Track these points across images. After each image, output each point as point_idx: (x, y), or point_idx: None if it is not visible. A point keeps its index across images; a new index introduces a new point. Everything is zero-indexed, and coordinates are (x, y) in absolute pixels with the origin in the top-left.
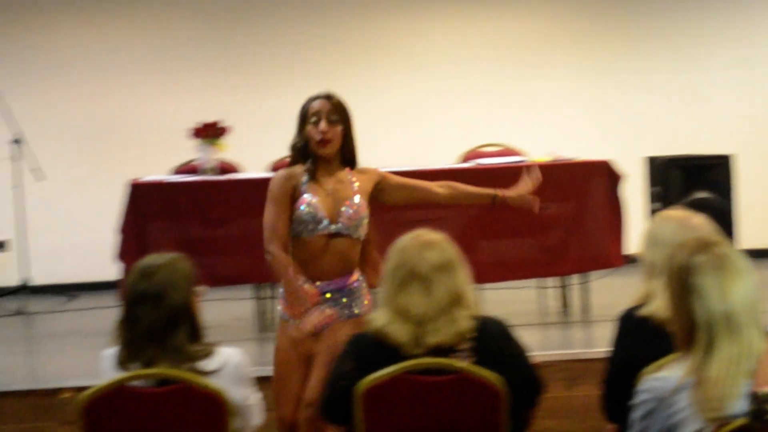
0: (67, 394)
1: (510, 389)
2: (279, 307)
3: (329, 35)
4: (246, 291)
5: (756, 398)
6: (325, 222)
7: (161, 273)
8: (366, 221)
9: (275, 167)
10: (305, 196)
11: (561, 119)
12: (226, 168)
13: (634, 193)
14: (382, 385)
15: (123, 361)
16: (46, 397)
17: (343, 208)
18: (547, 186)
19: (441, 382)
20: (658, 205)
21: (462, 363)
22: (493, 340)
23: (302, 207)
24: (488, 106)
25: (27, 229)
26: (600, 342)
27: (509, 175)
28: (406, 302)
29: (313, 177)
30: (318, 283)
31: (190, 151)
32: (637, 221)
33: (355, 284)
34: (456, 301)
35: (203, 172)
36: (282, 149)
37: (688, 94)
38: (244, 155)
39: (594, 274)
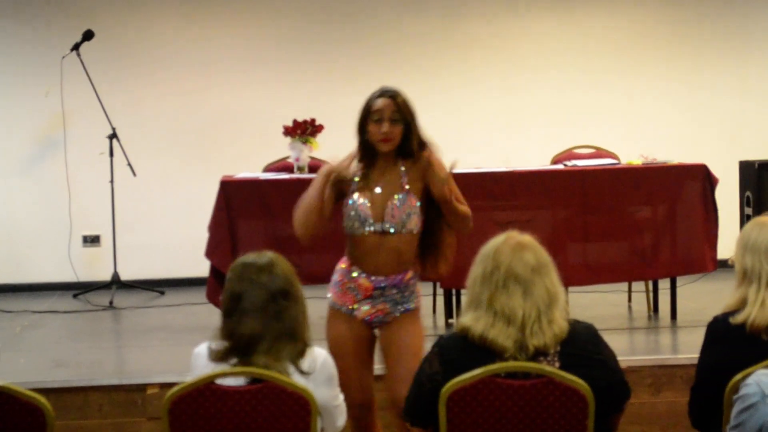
0: (153, 390)
1: (597, 394)
2: (329, 295)
3: (427, 35)
4: None
5: None
6: (370, 221)
7: (276, 270)
8: (415, 215)
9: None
10: (354, 195)
11: (655, 121)
12: (318, 166)
13: (727, 198)
14: (468, 388)
15: (220, 357)
16: (133, 393)
17: (388, 207)
18: (640, 188)
19: (527, 386)
20: (750, 210)
21: (549, 367)
22: (582, 345)
23: (351, 201)
24: (582, 107)
25: (118, 224)
26: (688, 348)
27: (601, 177)
28: (509, 304)
29: (365, 175)
30: (373, 277)
31: (284, 148)
32: (729, 226)
33: (411, 281)
34: (552, 302)
35: (296, 170)
36: None
37: None
38: (337, 154)
39: (683, 279)
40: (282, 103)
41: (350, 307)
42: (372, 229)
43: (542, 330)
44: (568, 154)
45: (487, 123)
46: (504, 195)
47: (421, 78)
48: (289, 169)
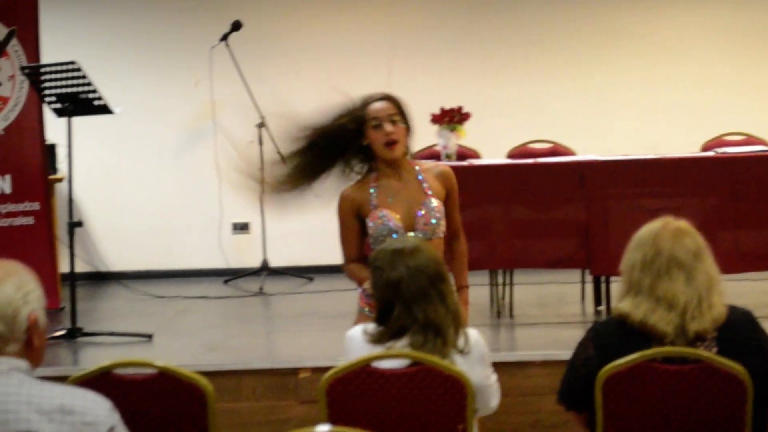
0: (305, 374)
1: (755, 381)
2: (358, 302)
3: (569, 22)
4: (482, 277)
5: None
6: (401, 233)
7: (426, 254)
8: (442, 219)
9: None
10: (376, 211)
11: None
12: (465, 154)
13: None
14: (625, 373)
15: (377, 340)
16: (285, 376)
17: (418, 215)
18: None
19: (684, 371)
20: None
21: (706, 352)
22: (740, 330)
23: (372, 224)
24: (731, 93)
25: (267, 211)
26: None
27: (752, 164)
28: (672, 290)
29: (382, 188)
30: None
31: (432, 136)
32: None
33: None
34: (712, 286)
35: (444, 157)
36: (520, 136)
37: None
38: (483, 142)
39: None
40: (429, 91)
41: None
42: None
43: (702, 314)
44: (718, 141)
45: (632, 110)
46: (653, 182)
47: (568, 66)
48: (436, 156)
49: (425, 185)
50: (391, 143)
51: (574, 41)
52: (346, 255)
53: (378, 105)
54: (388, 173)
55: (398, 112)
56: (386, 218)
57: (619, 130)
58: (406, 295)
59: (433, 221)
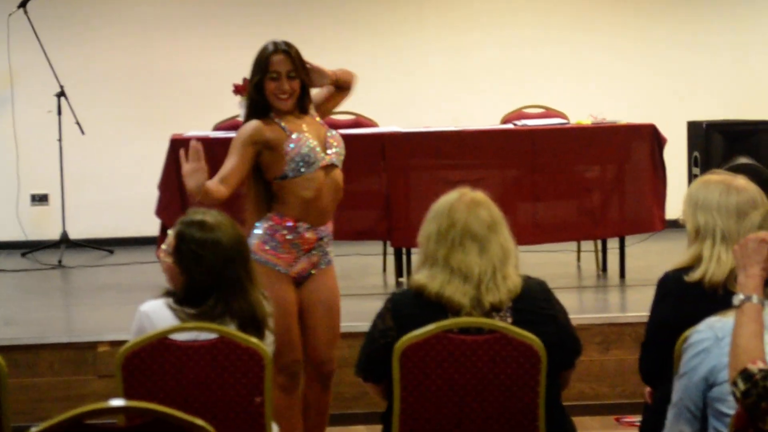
0: (104, 348)
1: (549, 350)
2: (259, 256)
3: None
4: None
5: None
6: (321, 155)
7: (222, 230)
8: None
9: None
10: (293, 135)
11: (604, 80)
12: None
13: (676, 158)
14: (421, 344)
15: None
16: (83, 351)
17: (328, 138)
18: (589, 148)
19: (480, 342)
20: (698, 170)
21: (501, 322)
22: (534, 300)
23: (292, 146)
24: (531, 67)
25: (67, 182)
26: (636, 306)
27: (551, 136)
28: (466, 262)
29: (285, 120)
30: (320, 228)
31: (234, 107)
32: (677, 186)
33: (331, 229)
34: (506, 258)
35: None
36: None
37: (734, 56)
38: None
39: (631, 238)
40: (232, 61)
41: (289, 264)
42: (322, 161)
43: (497, 286)
44: (518, 114)
45: (437, 83)
46: (453, 154)
47: (372, 37)
48: (238, 127)
49: (319, 121)
50: (286, 98)
51: (382, 14)
52: (218, 174)
53: (278, 58)
54: (284, 112)
55: (295, 67)
56: (305, 138)
57: (421, 103)
58: (222, 285)
59: (341, 149)
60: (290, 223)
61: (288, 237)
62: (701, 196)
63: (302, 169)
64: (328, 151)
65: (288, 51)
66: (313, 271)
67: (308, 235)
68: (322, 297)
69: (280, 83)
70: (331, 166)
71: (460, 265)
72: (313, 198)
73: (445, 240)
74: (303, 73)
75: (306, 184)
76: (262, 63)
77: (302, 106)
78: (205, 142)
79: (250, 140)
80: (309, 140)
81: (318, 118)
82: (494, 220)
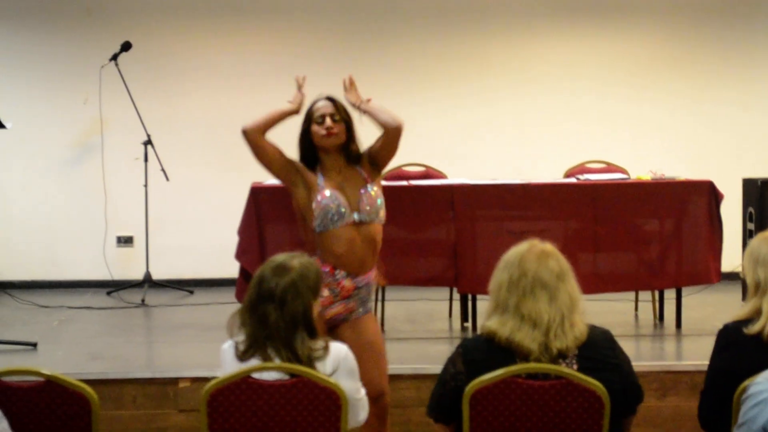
0: (185, 384)
1: (612, 396)
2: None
3: (445, 51)
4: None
5: None
6: (346, 210)
7: (292, 274)
8: (383, 204)
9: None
10: (326, 192)
11: (663, 137)
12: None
13: (731, 213)
14: (490, 388)
15: (243, 354)
16: (164, 386)
17: (360, 197)
18: (648, 202)
19: (546, 387)
20: (752, 225)
21: (567, 369)
22: (599, 349)
23: (321, 199)
24: (593, 123)
25: (151, 226)
26: (692, 355)
27: (612, 190)
28: (536, 309)
29: (323, 173)
30: (358, 278)
31: None
32: (733, 240)
33: (374, 279)
34: (573, 306)
35: None
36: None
37: None
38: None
39: (688, 290)
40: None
41: (324, 307)
42: (350, 219)
43: (565, 333)
44: (580, 168)
45: (500, 136)
46: (518, 206)
47: (442, 95)
48: None
49: (364, 174)
50: (329, 134)
51: (450, 70)
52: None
53: (322, 104)
54: (327, 164)
55: (339, 112)
56: (334, 197)
57: (489, 156)
58: (263, 308)
59: (376, 204)
60: (327, 269)
61: (327, 281)
62: (762, 251)
63: (329, 225)
64: (357, 212)
65: (331, 98)
66: (349, 317)
67: (346, 283)
68: (363, 340)
69: (324, 123)
70: (361, 223)
71: (530, 312)
72: (345, 252)
73: (517, 288)
74: (346, 115)
75: (334, 239)
76: (308, 111)
77: (348, 153)
78: (283, 190)
79: (293, 161)
80: (337, 199)
81: (364, 172)
82: (562, 269)
